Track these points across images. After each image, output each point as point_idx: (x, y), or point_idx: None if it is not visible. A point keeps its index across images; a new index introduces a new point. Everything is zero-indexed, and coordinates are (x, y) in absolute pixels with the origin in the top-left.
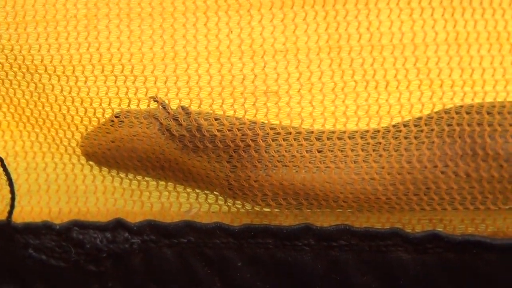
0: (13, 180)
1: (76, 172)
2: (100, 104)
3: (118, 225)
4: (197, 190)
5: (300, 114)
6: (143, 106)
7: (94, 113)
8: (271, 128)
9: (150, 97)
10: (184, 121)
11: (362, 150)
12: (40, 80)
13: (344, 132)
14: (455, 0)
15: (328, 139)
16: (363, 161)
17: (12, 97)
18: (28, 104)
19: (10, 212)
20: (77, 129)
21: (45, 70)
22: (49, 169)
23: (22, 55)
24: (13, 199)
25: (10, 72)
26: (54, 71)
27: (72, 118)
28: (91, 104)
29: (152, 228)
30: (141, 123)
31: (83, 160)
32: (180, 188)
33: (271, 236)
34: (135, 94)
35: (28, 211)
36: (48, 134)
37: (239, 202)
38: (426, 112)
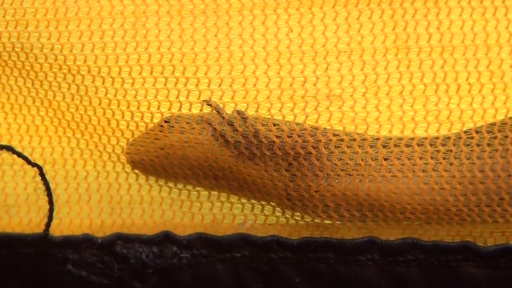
0: (52, 190)
1: (120, 181)
2: (148, 108)
3: (166, 238)
4: (253, 201)
5: (366, 119)
6: (195, 111)
7: (142, 118)
8: (334, 135)
9: (203, 101)
10: (240, 126)
11: (432, 158)
12: (82, 82)
13: (413, 138)
14: None
15: (395, 146)
16: (433, 170)
17: (51, 100)
18: (69, 107)
19: (48, 225)
20: (122, 135)
21: (88, 71)
22: (90, 178)
23: (63, 55)
24: (51, 210)
25: (50, 73)
26: (99, 72)
27: (117, 123)
28: (138, 108)
29: (203, 242)
30: (193, 128)
31: (128, 168)
32: (234, 198)
33: (332, 250)
34: (187, 97)
35: (67, 224)
36: (90, 140)
37: (298, 213)
38: (500, 117)
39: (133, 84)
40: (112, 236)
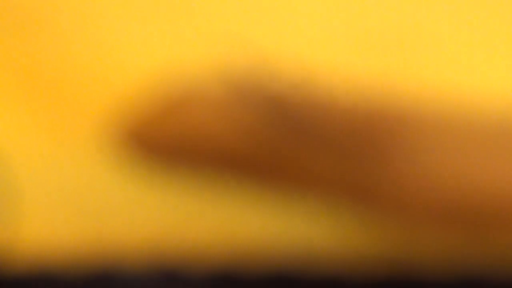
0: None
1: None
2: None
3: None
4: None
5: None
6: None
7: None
8: (409, 110)
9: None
10: (292, 95)
11: None
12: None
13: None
14: None
15: (496, 130)
16: None
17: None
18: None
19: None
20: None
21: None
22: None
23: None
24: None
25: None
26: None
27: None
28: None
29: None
30: (223, 107)
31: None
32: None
33: None
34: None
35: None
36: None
37: (363, 212)
38: None
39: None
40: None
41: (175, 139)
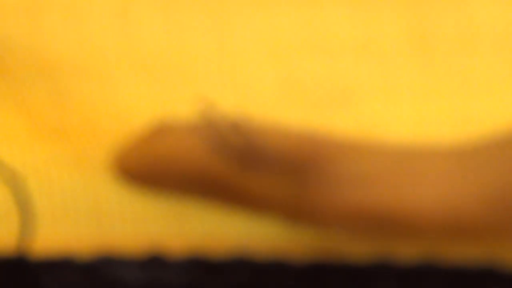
0: (31, 203)
1: (106, 194)
2: (134, 111)
3: (155, 260)
4: (249, 213)
5: (382, 121)
6: (188, 115)
7: (127, 122)
8: (347, 143)
9: (200, 106)
10: (240, 132)
11: (459, 169)
12: (60, 80)
13: (437, 148)
14: None
15: (415, 154)
16: (460, 180)
17: (31, 104)
18: (45, 108)
19: (25, 244)
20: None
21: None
22: (74, 191)
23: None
24: (28, 227)
25: (25, 71)
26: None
27: (101, 128)
28: (124, 112)
29: (196, 264)
30: (190, 137)
31: (114, 179)
32: (229, 212)
33: (342, 275)
34: (179, 96)
35: (49, 239)
36: (73, 151)
37: (303, 227)
38: None
39: (117, 84)
40: (97, 257)
41: (153, 166)
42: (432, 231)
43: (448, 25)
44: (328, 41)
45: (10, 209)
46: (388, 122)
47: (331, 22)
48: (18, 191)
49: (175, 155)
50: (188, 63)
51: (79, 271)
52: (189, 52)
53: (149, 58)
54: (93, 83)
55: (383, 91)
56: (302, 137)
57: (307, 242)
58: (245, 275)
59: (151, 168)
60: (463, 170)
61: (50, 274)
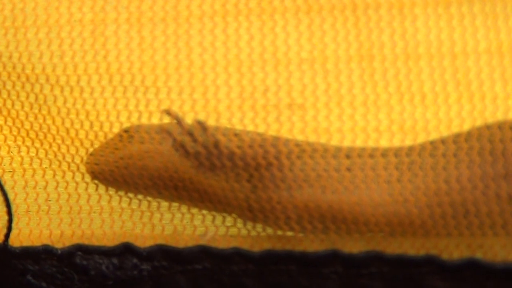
0: (10, 200)
1: (80, 191)
2: (108, 118)
3: (126, 250)
4: (214, 212)
5: (328, 129)
6: (155, 120)
7: (101, 128)
8: (296, 145)
9: (163, 110)
10: (200, 136)
11: (396, 169)
12: (41, 90)
13: (376, 149)
14: (498, 5)
15: (358, 157)
16: (397, 181)
17: (10, 109)
18: (28, 116)
19: (7, 235)
20: (81, 144)
21: (47, 80)
22: (50, 188)
23: (22, 63)
24: (10, 220)
25: (8, 81)
26: (57, 81)
27: (76, 133)
28: (97, 118)
29: (163, 253)
30: (153, 138)
31: (88, 178)
32: (194, 210)
33: (294, 262)
34: (146, 107)
35: (27, 234)
36: (50, 149)
37: (259, 225)
38: (466, 127)
39: (92, 93)
40: (72, 247)
41: (120, 168)
42: (375, 228)
43: (390, 39)
44: (281, 53)
45: None
46: (334, 128)
47: (283, 37)
48: (1, 191)
49: (141, 156)
50: (156, 74)
51: (56, 259)
52: (157, 64)
53: (121, 70)
54: (69, 93)
55: (331, 100)
56: (255, 139)
57: (265, 241)
58: (207, 263)
59: (118, 170)
60: (401, 169)
61: (31, 260)
